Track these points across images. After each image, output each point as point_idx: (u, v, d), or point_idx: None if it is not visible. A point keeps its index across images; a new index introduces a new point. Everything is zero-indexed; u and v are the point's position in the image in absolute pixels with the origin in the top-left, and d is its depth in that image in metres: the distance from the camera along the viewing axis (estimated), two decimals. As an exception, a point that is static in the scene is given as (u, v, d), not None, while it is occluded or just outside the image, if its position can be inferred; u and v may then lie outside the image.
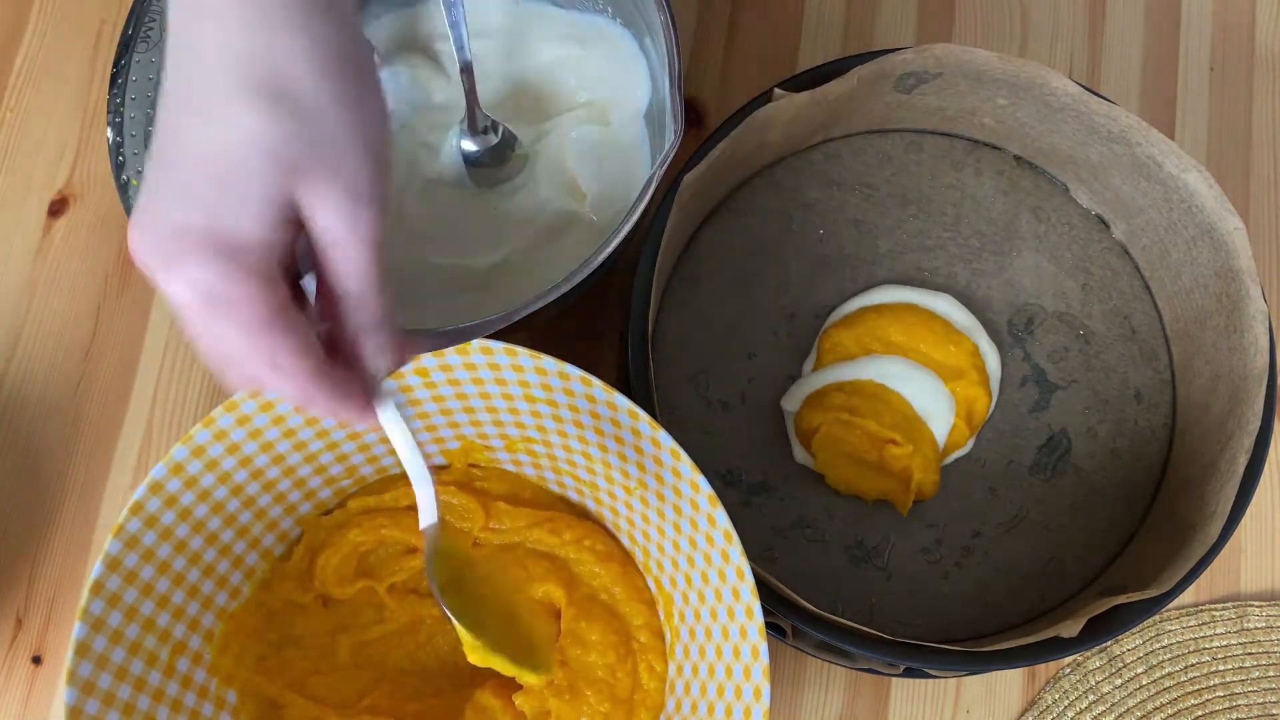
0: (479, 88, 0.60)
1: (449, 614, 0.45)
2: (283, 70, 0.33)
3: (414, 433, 0.57)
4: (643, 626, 0.57)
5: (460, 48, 0.57)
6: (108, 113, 0.55)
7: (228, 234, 0.33)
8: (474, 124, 0.60)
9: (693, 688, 0.53)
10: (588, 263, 0.51)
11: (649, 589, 0.58)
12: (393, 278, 0.37)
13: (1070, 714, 0.64)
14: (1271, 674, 0.64)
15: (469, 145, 0.60)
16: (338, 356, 0.37)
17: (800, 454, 0.64)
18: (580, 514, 0.60)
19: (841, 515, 0.63)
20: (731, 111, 0.61)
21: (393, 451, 0.58)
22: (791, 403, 0.64)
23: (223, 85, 0.33)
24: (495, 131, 0.60)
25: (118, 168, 0.54)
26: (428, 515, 0.45)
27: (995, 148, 0.68)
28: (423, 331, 0.52)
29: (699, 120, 0.72)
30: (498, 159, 0.61)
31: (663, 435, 0.51)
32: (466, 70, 0.58)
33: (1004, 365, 0.65)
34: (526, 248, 0.61)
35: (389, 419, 0.40)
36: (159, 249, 0.33)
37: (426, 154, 0.62)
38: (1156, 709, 0.63)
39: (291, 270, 0.37)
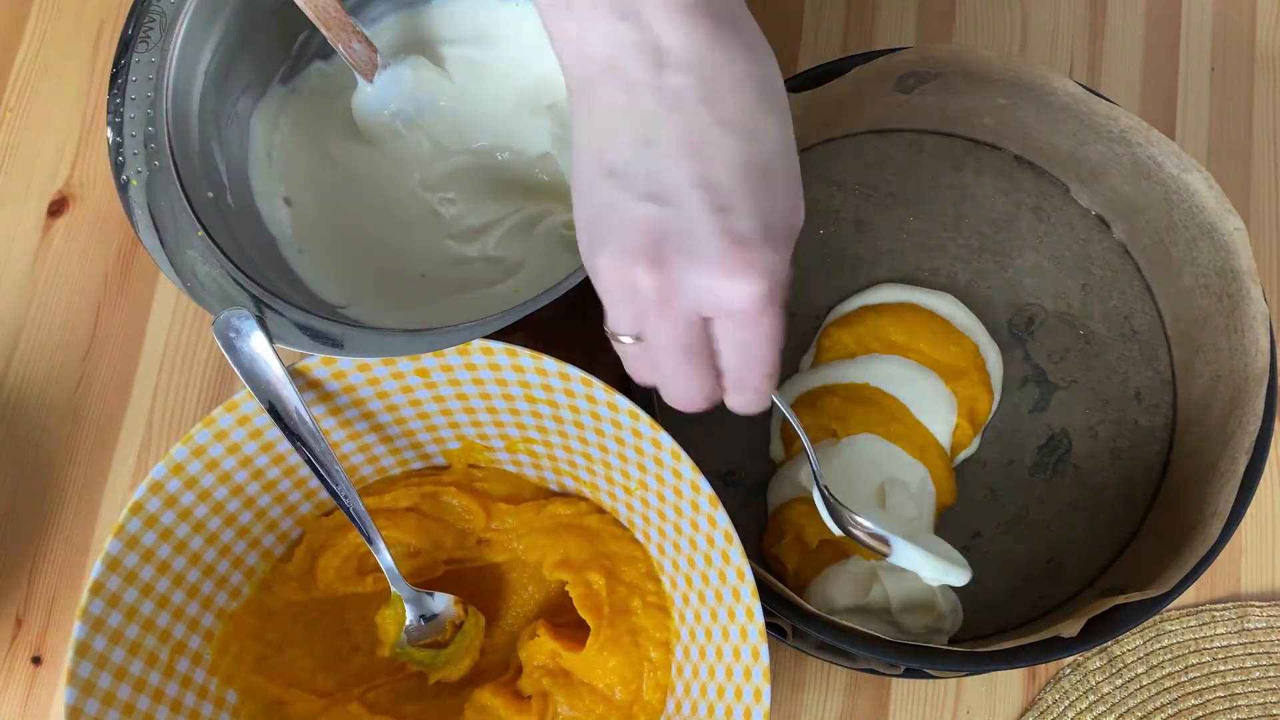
0: (487, 95, 0.60)
1: None
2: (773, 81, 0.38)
3: (412, 435, 0.57)
4: (643, 626, 0.57)
5: None
6: (108, 113, 0.55)
7: (787, 226, 0.38)
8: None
9: (693, 688, 0.53)
10: (588, 263, 0.51)
11: (649, 589, 0.58)
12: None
13: (1070, 714, 0.64)
14: (1272, 674, 0.64)
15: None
16: None
17: (776, 448, 0.63)
18: (580, 514, 0.60)
19: (842, 515, 0.63)
20: (732, 111, 0.60)
21: (394, 452, 0.58)
22: (784, 397, 0.64)
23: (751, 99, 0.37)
24: None
25: (118, 168, 0.54)
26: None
27: (995, 148, 0.68)
28: (424, 331, 0.52)
29: (699, 120, 0.72)
30: None
31: (663, 436, 0.51)
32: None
33: (1004, 365, 0.65)
34: (532, 247, 0.62)
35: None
36: (749, 249, 0.36)
37: (438, 153, 0.62)
38: (1157, 709, 0.63)
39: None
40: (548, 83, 0.64)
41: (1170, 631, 0.65)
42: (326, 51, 0.63)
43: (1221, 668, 0.64)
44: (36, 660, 0.63)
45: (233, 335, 0.50)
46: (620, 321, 0.40)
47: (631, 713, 0.56)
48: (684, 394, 0.41)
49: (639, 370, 0.42)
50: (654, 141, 0.36)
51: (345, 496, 0.52)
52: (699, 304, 0.38)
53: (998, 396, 0.65)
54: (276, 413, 0.51)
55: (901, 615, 0.58)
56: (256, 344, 0.50)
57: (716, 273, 0.37)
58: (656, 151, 0.36)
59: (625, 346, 0.41)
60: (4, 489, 0.65)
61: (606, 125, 0.37)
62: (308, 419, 0.51)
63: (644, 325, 0.39)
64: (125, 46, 0.55)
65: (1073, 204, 0.68)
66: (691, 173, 0.36)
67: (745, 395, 0.42)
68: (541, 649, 0.57)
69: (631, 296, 0.38)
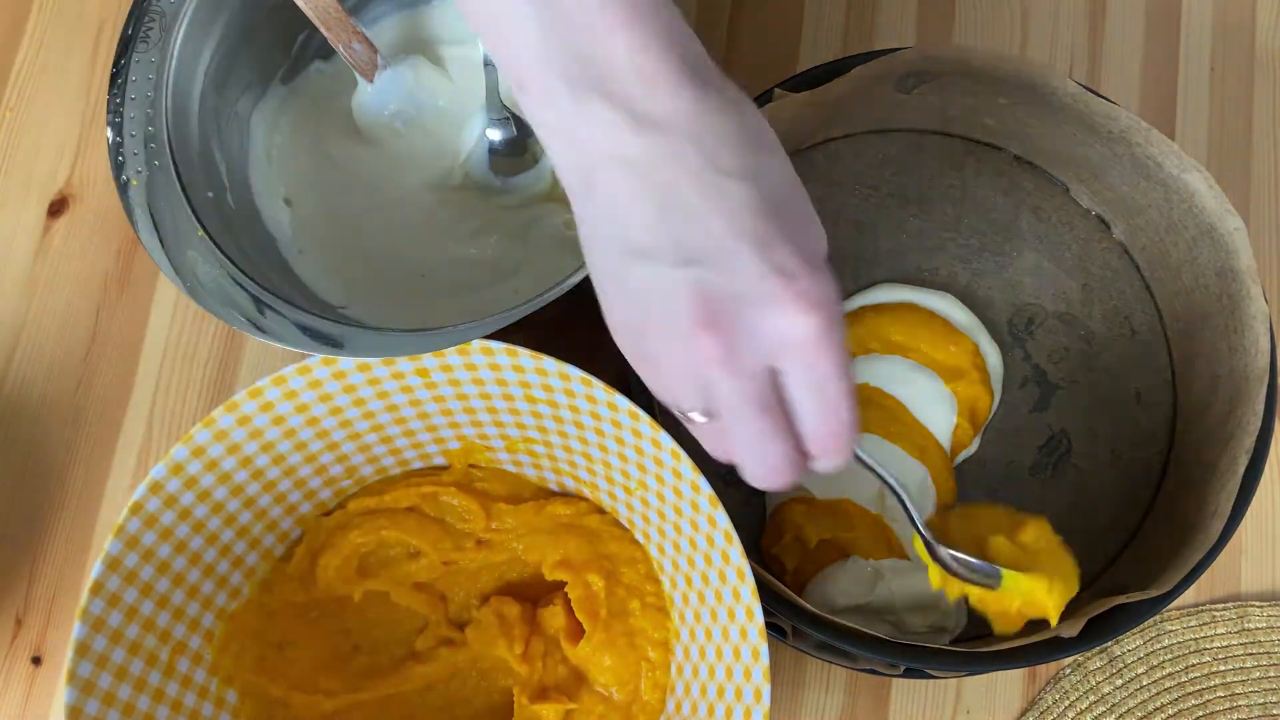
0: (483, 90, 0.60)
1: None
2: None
3: (412, 435, 0.57)
4: (643, 627, 0.57)
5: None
6: (108, 113, 0.55)
7: (820, 254, 0.37)
8: (495, 111, 0.60)
9: (693, 689, 0.53)
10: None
11: (649, 589, 0.58)
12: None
13: (1070, 714, 0.64)
14: (1272, 674, 0.64)
15: (492, 133, 0.61)
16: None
17: None
18: (580, 514, 0.60)
19: (842, 515, 0.63)
20: (732, 111, 0.60)
21: (394, 452, 0.58)
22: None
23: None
24: (513, 122, 0.61)
25: (118, 168, 0.54)
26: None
27: (995, 148, 0.68)
28: (424, 331, 0.52)
29: (699, 120, 0.72)
30: (516, 149, 0.61)
31: (664, 436, 0.51)
32: (489, 63, 0.58)
33: (1004, 365, 0.65)
34: (532, 247, 0.62)
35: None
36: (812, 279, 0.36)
37: (440, 152, 0.62)
38: (1157, 709, 0.63)
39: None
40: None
41: (1170, 631, 0.65)
42: (326, 51, 0.63)
43: (1222, 668, 0.64)
44: (36, 660, 0.63)
45: None
46: (686, 398, 0.38)
47: (631, 712, 0.56)
48: (767, 462, 0.39)
49: (716, 446, 0.40)
50: (670, 208, 0.36)
51: None
52: (765, 352, 0.37)
53: (998, 396, 0.65)
54: None
55: (906, 614, 0.58)
56: None
57: (774, 311, 0.36)
58: (676, 217, 0.36)
59: (699, 425, 0.39)
60: (4, 489, 0.65)
61: (615, 209, 0.36)
62: None
63: (713, 395, 0.38)
64: (125, 46, 0.55)
65: (1073, 204, 0.68)
66: (718, 225, 0.36)
67: (829, 453, 0.39)
68: (554, 619, 0.57)
69: (695, 368, 0.37)
